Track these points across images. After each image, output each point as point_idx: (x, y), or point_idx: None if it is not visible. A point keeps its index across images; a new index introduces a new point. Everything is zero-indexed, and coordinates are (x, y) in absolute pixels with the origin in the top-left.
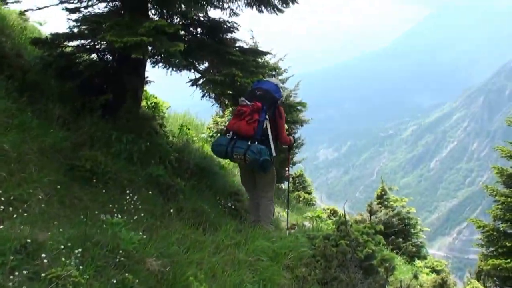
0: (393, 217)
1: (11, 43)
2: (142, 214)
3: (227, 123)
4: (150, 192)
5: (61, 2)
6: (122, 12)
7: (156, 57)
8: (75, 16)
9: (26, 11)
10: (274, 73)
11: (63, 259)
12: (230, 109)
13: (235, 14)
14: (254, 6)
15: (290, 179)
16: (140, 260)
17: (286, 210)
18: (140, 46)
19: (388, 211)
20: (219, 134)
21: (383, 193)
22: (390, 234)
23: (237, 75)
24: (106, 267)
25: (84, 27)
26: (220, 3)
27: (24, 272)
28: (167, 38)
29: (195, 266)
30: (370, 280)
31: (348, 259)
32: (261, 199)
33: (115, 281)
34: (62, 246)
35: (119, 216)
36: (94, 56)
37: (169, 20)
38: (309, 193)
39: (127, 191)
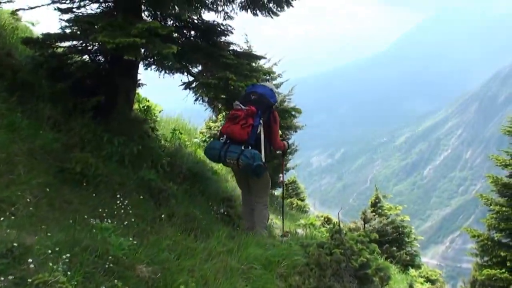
0: (387, 225)
1: (1, 42)
2: (133, 219)
3: (220, 127)
4: (141, 197)
5: (53, 2)
6: (115, 13)
7: (148, 59)
8: (67, 16)
9: (17, 10)
10: (268, 77)
11: (51, 264)
12: (223, 113)
13: (230, 17)
14: (249, 9)
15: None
16: (130, 267)
17: (281, 217)
18: (133, 47)
19: (382, 219)
20: (212, 139)
21: (377, 200)
22: (384, 243)
23: (231, 79)
24: (94, 273)
25: (76, 27)
26: (214, 6)
27: (10, 277)
28: (160, 40)
29: (186, 273)
30: None
31: (342, 268)
32: (256, 204)
33: None
34: (50, 251)
35: (109, 221)
36: (86, 57)
37: (162, 22)
38: (302, 200)
39: (118, 195)
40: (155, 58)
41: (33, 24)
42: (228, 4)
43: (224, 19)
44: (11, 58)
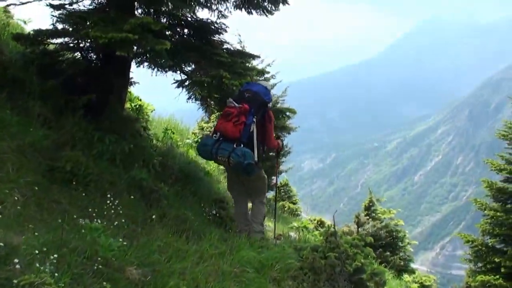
0: (381, 229)
1: None
2: (123, 220)
3: (212, 128)
4: (132, 197)
5: None
6: (108, 10)
7: (141, 56)
8: (59, 13)
9: (8, 5)
10: (262, 78)
11: (37, 265)
12: (216, 114)
13: (223, 16)
14: (243, 8)
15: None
16: (119, 269)
17: (273, 219)
18: (125, 43)
19: (376, 223)
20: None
21: (370, 204)
22: (377, 247)
23: (224, 77)
24: (83, 275)
25: (68, 23)
26: (208, 3)
27: None
28: (153, 36)
29: (177, 276)
30: None
31: (337, 273)
32: (253, 202)
33: None
34: (37, 251)
35: (99, 221)
36: (77, 54)
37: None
38: (294, 203)
39: (108, 195)
40: (147, 55)
41: (25, 22)
42: (222, 2)
43: (218, 18)
44: (2, 54)
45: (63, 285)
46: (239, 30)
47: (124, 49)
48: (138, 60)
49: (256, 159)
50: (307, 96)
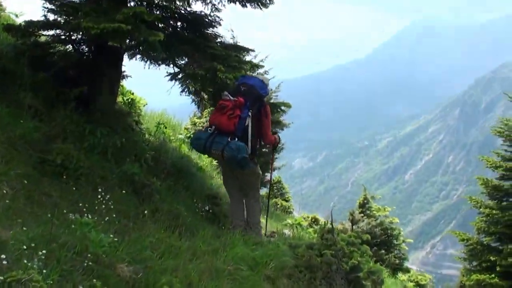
0: (375, 227)
1: None
2: (114, 215)
3: (205, 123)
4: (124, 191)
5: None
6: (100, 1)
7: (134, 49)
8: (51, 5)
9: None
10: (256, 71)
11: (25, 261)
12: (209, 109)
13: (217, 9)
14: (237, 1)
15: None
16: (110, 265)
17: (266, 216)
18: (118, 33)
19: (370, 221)
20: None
21: (365, 201)
22: (372, 245)
23: (219, 70)
24: (72, 272)
25: (59, 15)
26: None
27: None
28: (146, 27)
29: (169, 273)
30: None
31: (333, 271)
32: (247, 201)
33: None
34: (25, 247)
35: (89, 216)
36: (69, 47)
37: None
38: (287, 201)
39: (99, 189)
40: (140, 47)
41: (16, 16)
42: None
43: (212, 11)
44: None
45: (51, 282)
46: (232, 29)
47: (117, 40)
48: (131, 52)
49: (249, 151)
50: (299, 94)
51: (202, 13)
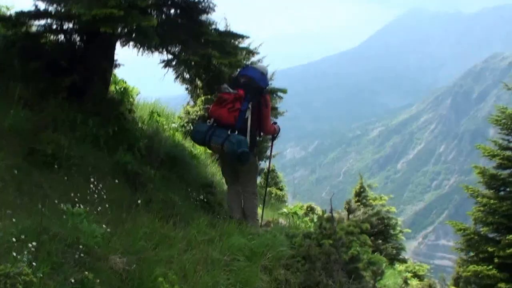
0: (372, 216)
1: None
2: (107, 205)
3: (198, 113)
4: (117, 181)
5: None
6: None
7: (126, 36)
8: None
9: None
10: (253, 58)
11: (14, 254)
12: (202, 98)
13: None
14: None
15: (263, 174)
16: (102, 257)
17: (262, 206)
18: (110, 19)
19: (367, 210)
20: (190, 124)
21: (361, 190)
22: (369, 235)
23: (213, 56)
24: (63, 264)
25: (49, 3)
26: None
27: None
28: (139, 13)
29: (164, 264)
30: (356, 286)
31: (332, 261)
32: (245, 193)
33: (73, 281)
34: (14, 239)
35: (81, 206)
36: (61, 37)
37: None
38: (281, 189)
39: (91, 179)
40: (133, 34)
41: (8, 8)
42: None
43: None
44: None
45: (41, 275)
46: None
47: (109, 26)
48: (123, 40)
49: (249, 145)
50: (291, 85)
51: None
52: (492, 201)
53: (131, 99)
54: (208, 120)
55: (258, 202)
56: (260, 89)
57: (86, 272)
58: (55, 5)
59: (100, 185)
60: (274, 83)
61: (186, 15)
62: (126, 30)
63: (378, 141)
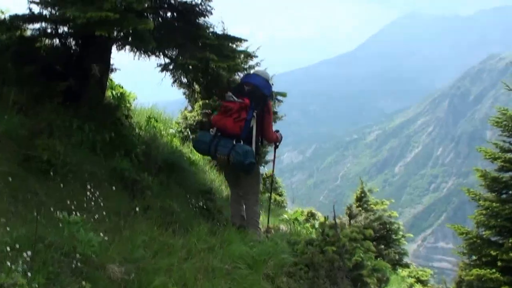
0: (374, 221)
1: None
2: (104, 213)
3: (196, 118)
4: (114, 188)
5: None
6: None
7: (122, 40)
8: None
9: None
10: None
11: (9, 264)
12: (200, 103)
13: None
14: None
15: (261, 180)
16: (100, 266)
17: (268, 214)
18: (105, 22)
19: (368, 215)
20: (188, 129)
21: (362, 195)
22: (371, 240)
23: (211, 59)
24: (59, 274)
25: (44, 5)
26: None
27: None
28: (135, 16)
29: (163, 273)
30: None
31: (336, 268)
32: (247, 201)
33: None
34: (9, 248)
35: (78, 214)
36: (56, 41)
37: None
38: (280, 195)
39: (88, 186)
40: (129, 38)
41: (2, 12)
42: None
43: (202, 1)
44: None
45: (37, 285)
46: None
47: (104, 29)
48: (119, 44)
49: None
50: (288, 90)
51: (193, 2)
52: (494, 204)
53: (128, 105)
54: (211, 129)
55: (260, 209)
56: (265, 97)
57: (83, 282)
58: (49, 9)
59: (97, 192)
60: (272, 88)
61: (183, 18)
62: (122, 33)
63: (375, 145)
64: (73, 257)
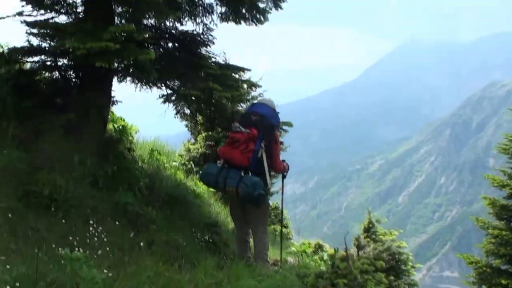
0: (382, 252)
1: None
2: (108, 248)
3: (199, 150)
4: (117, 223)
5: (19, 14)
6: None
7: (123, 71)
8: (35, 30)
9: None
10: (255, 91)
11: None
12: (203, 134)
13: (209, 29)
14: (231, 19)
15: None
16: None
17: (280, 247)
18: (106, 53)
19: (377, 246)
20: (191, 162)
21: (370, 225)
22: (381, 271)
23: (215, 89)
24: None
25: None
26: (192, 16)
27: None
28: (135, 46)
29: None
30: None
31: None
32: (255, 233)
33: None
34: (8, 287)
35: (80, 250)
36: (55, 73)
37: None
38: (286, 227)
39: (91, 221)
40: (131, 69)
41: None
42: (207, 14)
43: (204, 31)
44: None
45: None
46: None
47: (104, 60)
48: (120, 75)
49: (269, 185)
50: (289, 120)
51: (194, 32)
52: (504, 232)
53: (130, 137)
54: (218, 161)
55: (268, 241)
56: (273, 127)
57: None
58: (48, 40)
59: (100, 228)
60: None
61: (184, 48)
62: (122, 64)
63: (378, 175)
64: None
